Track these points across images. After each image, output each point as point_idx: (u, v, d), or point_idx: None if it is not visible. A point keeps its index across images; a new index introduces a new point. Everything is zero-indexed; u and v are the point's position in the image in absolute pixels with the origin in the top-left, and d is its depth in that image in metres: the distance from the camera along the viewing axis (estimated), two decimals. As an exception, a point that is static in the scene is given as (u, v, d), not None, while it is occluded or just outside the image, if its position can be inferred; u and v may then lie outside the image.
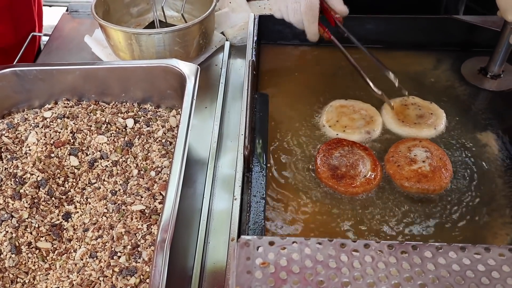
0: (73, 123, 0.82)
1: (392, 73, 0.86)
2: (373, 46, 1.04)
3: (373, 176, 0.76)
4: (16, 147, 0.79)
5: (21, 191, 0.72)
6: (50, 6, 2.46)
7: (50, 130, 0.80)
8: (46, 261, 0.68)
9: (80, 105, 0.87)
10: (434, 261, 0.54)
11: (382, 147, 0.83)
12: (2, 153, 0.78)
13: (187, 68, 0.81)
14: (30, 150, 0.78)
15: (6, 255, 0.67)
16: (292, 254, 0.55)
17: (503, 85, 0.94)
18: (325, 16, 0.91)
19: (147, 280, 0.63)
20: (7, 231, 0.68)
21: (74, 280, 0.65)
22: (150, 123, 0.84)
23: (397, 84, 0.86)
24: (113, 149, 0.79)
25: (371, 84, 0.84)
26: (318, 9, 0.86)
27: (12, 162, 0.76)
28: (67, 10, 1.22)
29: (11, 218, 0.69)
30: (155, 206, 0.71)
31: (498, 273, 0.53)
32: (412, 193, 0.75)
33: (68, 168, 0.77)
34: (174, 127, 0.84)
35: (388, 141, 0.83)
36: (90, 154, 0.79)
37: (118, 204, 0.72)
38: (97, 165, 0.78)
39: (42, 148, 0.78)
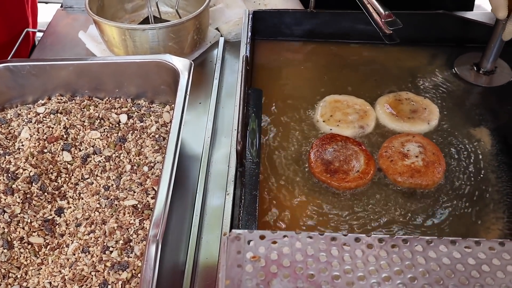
0: (66, 119, 0.81)
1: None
2: (368, 42, 1.04)
3: (366, 171, 0.76)
4: (9, 142, 0.79)
5: (14, 186, 0.72)
6: (46, 3, 2.44)
7: (43, 126, 0.80)
8: (38, 256, 0.68)
9: (73, 100, 0.87)
10: (425, 254, 0.54)
11: (375, 141, 0.83)
12: (-5, 149, 0.77)
13: (181, 64, 0.81)
14: (23, 145, 0.78)
15: (-2, 250, 0.67)
16: (283, 248, 0.55)
17: (496, 81, 0.94)
18: None
19: (139, 275, 0.63)
20: (-1, 226, 0.68)
21: (66, 275, 0.65)
22: (144, 118, 0.84)
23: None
24: (106, 144, 0.79)
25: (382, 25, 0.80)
26: None
27: (5, 157, 0.76)
28: (61, 6, 1.22)
29: (3, 213, 0.69)
30: (148, 201, 0.71)
31: (488, 267, 0.53)
32: (405, 188, 0.75)
33: (61, 164, 0.77)
34: (167, 123, 0.84)
35: (382, 136, 0.83)
36: (83, 149, 0.79)
37: (111, 199, 0.72)
38: (90, 160, 0.78)
39: (35, 143, 0.78)
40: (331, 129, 0.84)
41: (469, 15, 1.01)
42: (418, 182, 0.74)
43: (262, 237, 0.56)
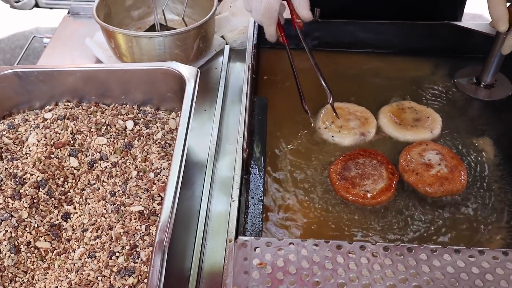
0: (73, 125, 0.82)
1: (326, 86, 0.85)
2: (372, 51, 1.05)
3: (387, 188, 0.75)
4: (16, 147, 0.80)
5: (21, 191, 0.73)
6: (51, 8, 2.46)
7: (51, 131, 0.81)
8: (45, 260, 0.68)
9: (80, 106, 0.87)
10: (429, 263, 0.55)
11: (378, 149, 0.83)
12: (3, 153, 0.78)
13: (187, 71, 0.82)
14: (30, 150, 0.79)
15: (5, 254, 0.67)
16: (289, 255, 0.56)
17: (495, 94, 0.95)
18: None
19: (145, 280, 0.64)
20: (7, 231, 0.69)
21: (73, 280, 0.65)
22: (150, 125, 0.85)
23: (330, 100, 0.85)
24: (113, 150, 0.80)
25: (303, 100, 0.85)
26: (277, 12, 0.84)
27: (12, 162, 0.77)
28: (68, 13, 1.23)
29: (10, 218, 0.70)
30: (154, 207, 0.72)
31: (492, 276, 0.54)
32: (417, 200, 0.75)
33: (67, 169, 0.78)
34: (173, 129, 0.85)
35: (384, 144, 0.84)
36: (89, 155, 0.80)
37: (117, 205, 0.73)
38: (97, 166, 0.79)
39: (42, 148, 0.78)
40: (332, 136, 0.85)
41: (471, 25, 1.02)
42: (449, 189, 0.74)
43: (268, 244, 0.57)
